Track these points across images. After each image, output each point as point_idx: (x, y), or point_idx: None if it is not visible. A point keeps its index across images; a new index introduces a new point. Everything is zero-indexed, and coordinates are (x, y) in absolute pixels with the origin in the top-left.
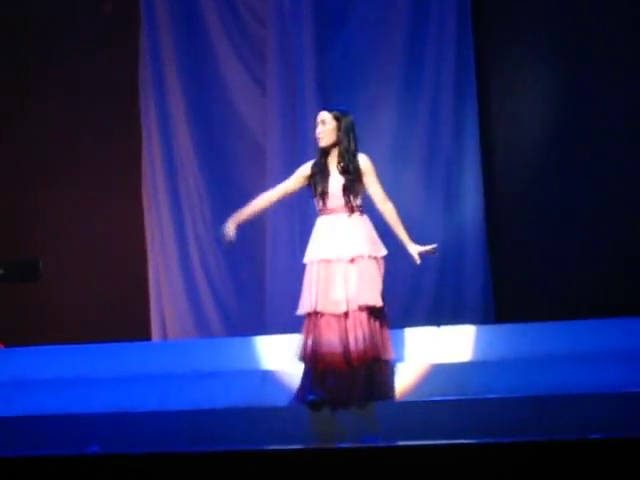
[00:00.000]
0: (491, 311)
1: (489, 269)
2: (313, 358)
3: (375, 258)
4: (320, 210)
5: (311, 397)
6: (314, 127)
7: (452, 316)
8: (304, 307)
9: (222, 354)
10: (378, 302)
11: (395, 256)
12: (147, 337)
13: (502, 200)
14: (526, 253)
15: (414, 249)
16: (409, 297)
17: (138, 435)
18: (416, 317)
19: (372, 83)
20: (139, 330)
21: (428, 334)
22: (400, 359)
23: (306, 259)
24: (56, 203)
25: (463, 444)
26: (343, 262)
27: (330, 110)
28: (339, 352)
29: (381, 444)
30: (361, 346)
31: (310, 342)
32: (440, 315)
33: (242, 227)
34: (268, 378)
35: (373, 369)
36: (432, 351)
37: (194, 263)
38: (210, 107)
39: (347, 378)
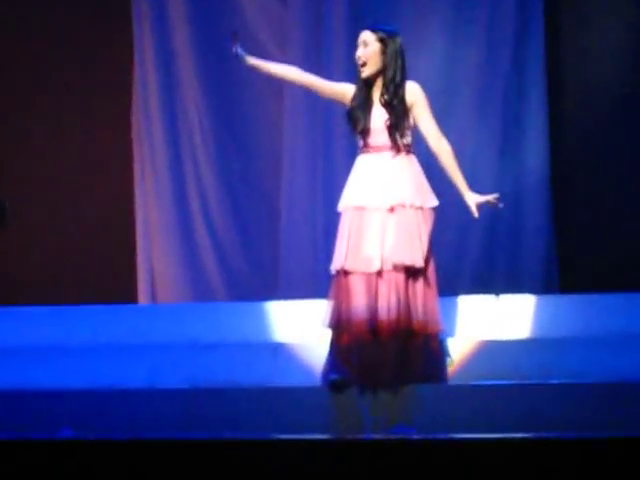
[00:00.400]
0: (555, 278)
1: (553, 229)
2: (337, 327)
3: (421, 209)
4: (361, 148)
5: (333, 376)
6: (353, 48)
7: (508, 283)
8: (334, 263)
9: (225, 322)
10: (418, 262)
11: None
12: (133, 299)
13: (571, 146)
14: (598, 211)
15: (472, 198)
16: (456, 259)
17: (121, 418)
18: (464, 283)
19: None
20: (124, 290)
21: (480, 304)
22: (447, 334)
23: (340, 206)
24: (25, 136)
25: (519, 439)
26: (381, 211)
27: (374, 30)
28: (367, 320)
29: (416, 436)
30: (394, 315)
31: (336, 307)
32: (493, 282)
33: (251, 168)
34: (281, 352)
35: (410, 344)
36: (484, 325)
37: (192, 210)
38: (216, 21)
39: (378, 354)
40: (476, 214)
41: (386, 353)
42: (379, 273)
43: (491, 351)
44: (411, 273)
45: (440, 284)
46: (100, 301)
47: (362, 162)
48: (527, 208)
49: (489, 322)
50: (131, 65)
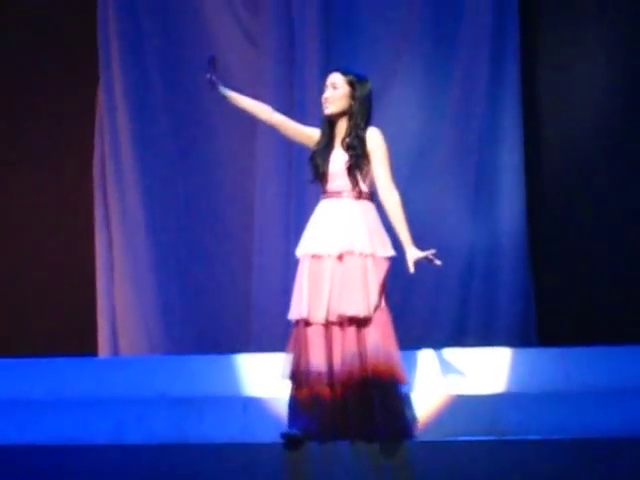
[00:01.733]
0: (532, 331)
1: (531, 280)
2: (295, 379)
3: (372, 256)
4: (322, 194)
5: (288, 430)
6: (321, 91)
7: (483, 336)
8: (292, 313)
9: (193, 375)
10: (362, 311)
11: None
12: (93, 351)
13: (548, 197)
14: (578, 262)
15: (412, 254)
16: (431, 312)
17: (85, 474)
18: (441, 336)
19: (389, 39)
20: (86, 342)
21: (456, 358)
22: (413, 387)
23: (298, 252)
24: None
25: None
26: (332, 258)
27: (345, 73)
28: (322, 372)
29: None
30: (346, 366)
31: (294, 358)
32: (468, 335)
33: (224, 215)
34: (251, 407)
35: (367, 396)
36: (458, 379)
37: (159, 258)
38: (191, 67)
39: (336, 406)
40: (412, 269)
41: (344, 406)
42: (327, 324)
43: (468, 406)
44: (359, 323)
45: (416, 337)
46: (61, 353)
47: (320, 208)
48: (503, 261)
49: (466, 376)
50: (95, 106)
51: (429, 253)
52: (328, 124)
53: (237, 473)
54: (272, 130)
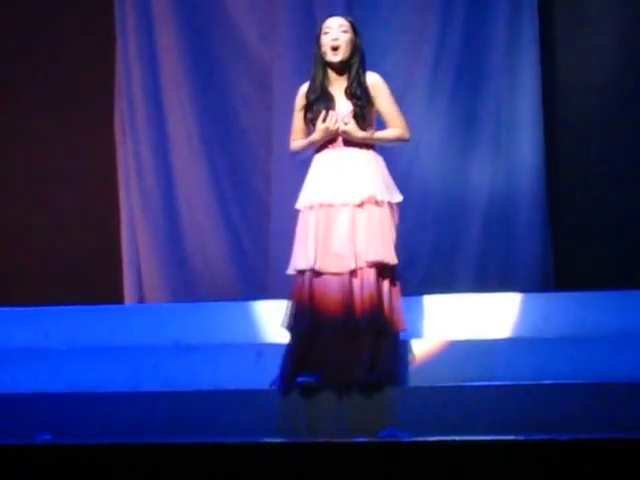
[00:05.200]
0: (551, 276)
1: (548, 224)
2: (309, 328)
3: (389, 204)
4: (320, 145)
5: (302, 379)
6: (317, 36)
7: (501, 281)
8: (298, 263)
9: (209, 322)
10: (392, 259)
11: (430, 208)
12: (119, 299)
13: (566, 141)
14: (596, 206)
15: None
16: (450, 258)
17: (101, 422)
18: (459, 282)
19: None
20: (109, 291)
21: (471, 303)
22: (428, 333)
23: (301, 203)
24: (8, 138)
25: (511, 440)
26: (349, 207)
27: (346, 17)
28: (343, 320)
29: (406, 439)
30: (368, 312)
31: (306, 308)
32: (486, 280)
33: (239, 168)
34: (265, 353)
35: (380, 343)
36: (474, 324)
37: (180, 209)
38: (202, 16)
39: (353, 352)
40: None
41: (360, 351)
42: (352, 272)
43: (484, 351)
44: (382, 270)
45: (435, 282)
46: (85, 302)
47: (323, 158)
48: (521, 205)
49: (482, 321)
50: (114, 68)
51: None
52: (323, 71)
53: (251, 420)
54: (289, 82)
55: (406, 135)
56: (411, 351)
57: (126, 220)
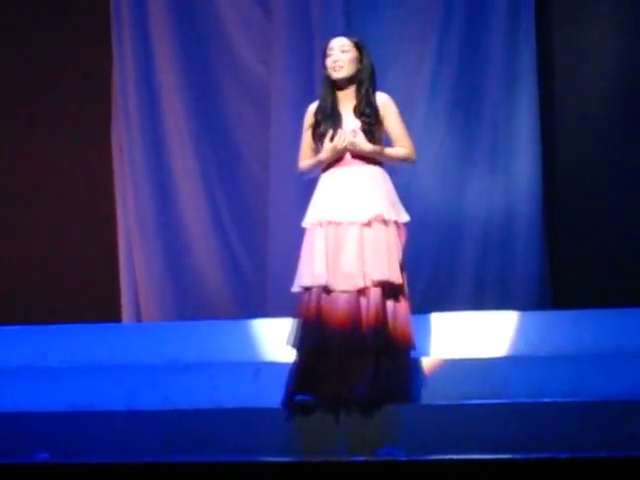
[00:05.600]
0: (547, 294)
1: (545, 244)
2: (318, 345)
3: (396, 223)
4: (327, 164)
5: (300, 397)
6: (322, 58)
7: (497, 300)
8: (305, 280)
9: (206, 340)
10: (398, 278)
11: (428, 228)
12: (116, 318)
13: (563, 161)
14: (593, 225)
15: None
16: (448, 276)
17: (99, 440)
18: (456, 300)
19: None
20: (107, 310)
21: (471, 321)
22: (426, 351)
23: (308, 221)
24: (7, 152)
25: (510, 459)
26: (357, 225)
27: (350, 37)
28: (349, 338)
29: (404, 457)
30: (373, 332)
31: (313, 325)
32: (482, 300)
33: (235, 180)
34: (263, 372)
35: (384, 361)
36: (472, 342)
37: (176, 227)
38: (199, 35)
39: (356, 371)
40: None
41: (366, 370)
42: (359, 290)
43: (481, 369)
44: (388, 289)
45: (431, 301)
46: (83, 320)
47: (331, 175)
48: (518, 223)
49: (479, 339)
50: (111, 78)
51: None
52: (330, 90)
53: (249, 438)
54: (287, 101)
55: (413, 156)
56: (420, 369)
57: (123, 240)
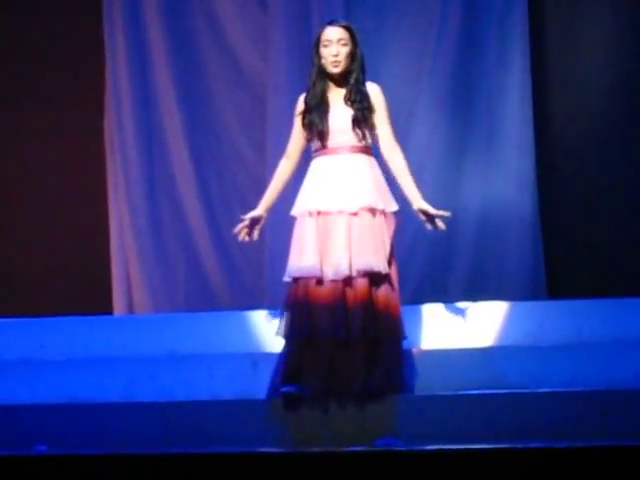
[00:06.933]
0: (541, 284)
1: (539, 233)
2: (305, 336)
3: (383, 213)
4: (317, 150)
5: (286, 388)
6: (316, 45)
7: (493, 290)
8: (295, 271)
9: (204, 332)
10: (384, 268)
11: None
12: (108, 310)
13: (558, 150)
14: (587, 217)
15: (422, 205)
16: (443, 267)
17: (97, 433)
18: (452, 291)
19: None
20: (99, 301)
21: (463, 312)
22: (422, 342)
23: (297, 210)
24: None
25: (504, 449)
26: (345, 215)
27: (346, 27)
28: (336, 328)
29: (403, 448)
30: (360, 322)
31: (302, 315)
32: (478, 289)
33: (228, 175)
34: (261, 363)
35: (375, 351)
36: (467, 333)
37: (167, 220)
38: (193, 31)
39: (348, 361)
40: (422, 217)
41: (356, 360)
42: (346, 279)
43: (478, 359)
44: (374, 279)
45: (426, 292)
46: (75, 312)
47: (320, 164)
48: (513, 215)
49: (475, 329)
50: (103, 74)
51: (443, 214)
52: (322, 79)
53: (247, 429)
54: (283, 95)
55: (401, 153)
56: (412, 360)
57: (116, 236)
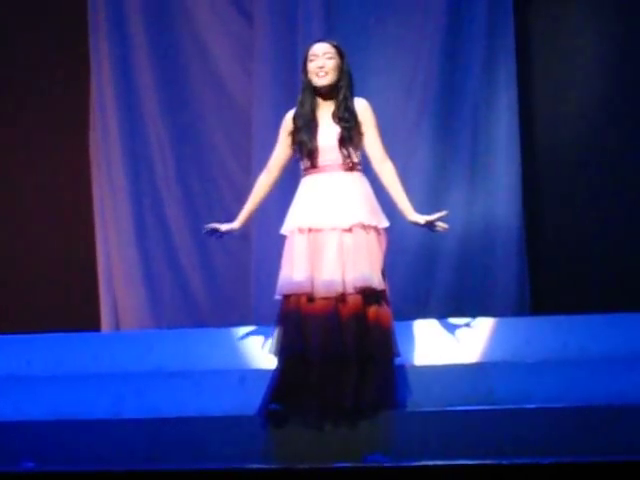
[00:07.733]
0: (526, 300)
1: (524, 249)
2: (299, 353)
3: (376, 229)
4: (307, 169)
5: (273, 406)
6: (304, 62)
7: (478, 306)
8: (286, 288)
9: (191, 348)
10: (380, 284)
11: (407, 233)
12: (95, 327)
13: (543, 166)
14: (572, 232)
15: (418, 218)
16: (427, 282)
17: (84, 449)
18: (436, 307)
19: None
20: (86, 318)
21: (452, 327)
22: (409, 358)
23: (288, 227)
24: None
25: (490, 465)
26: (338, 231)
27: (333, 44)
28: (330, 346)
29: (390, 464)
30: (354, 339)
31: (294, 333)
32: (463, 306)
33: (214, 189)
34: (248, 379)
35: (368, 368)
36: (453, 349)
37: (153, 236)
38: (178, 45)
39: (340, 379)
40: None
41: (349, 377)
42: (340, 297)
43: (465, 375)
44: (369, 295)
45: (412, 307)
46: (62, 329)
47: (310, 182)
48: (498, 230)
49: (462, 346)
50: (89, 87)
51: (440, 215)
52: (310, 96)
53: (234, 446)
54: (268, 109)
55: (392, 167)
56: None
57: (102, 253)
